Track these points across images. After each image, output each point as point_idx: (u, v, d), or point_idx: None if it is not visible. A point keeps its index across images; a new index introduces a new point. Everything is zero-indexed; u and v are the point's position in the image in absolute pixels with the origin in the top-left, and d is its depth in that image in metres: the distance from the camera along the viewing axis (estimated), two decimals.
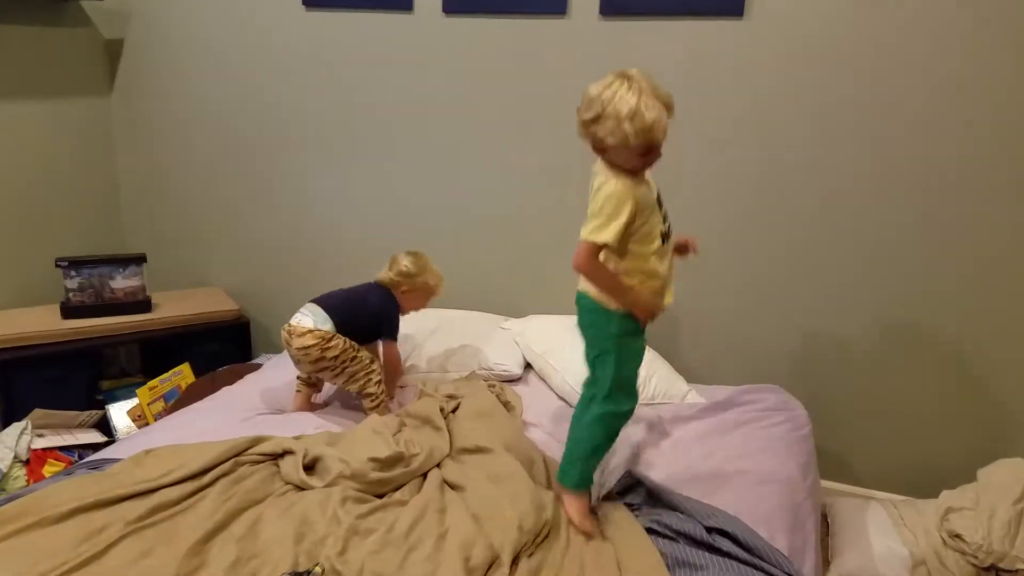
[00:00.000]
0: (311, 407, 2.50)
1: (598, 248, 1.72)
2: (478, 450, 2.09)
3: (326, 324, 2.34)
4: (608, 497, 2.01)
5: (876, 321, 2.62)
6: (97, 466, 2.03)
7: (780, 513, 1.98)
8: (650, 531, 1.83)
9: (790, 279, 2.69)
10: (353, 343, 2.37)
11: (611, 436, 1.91)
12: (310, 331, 2.31)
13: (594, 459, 1.91)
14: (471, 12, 2.85)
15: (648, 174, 1.80)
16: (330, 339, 2.32)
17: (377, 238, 3.21)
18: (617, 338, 1.82)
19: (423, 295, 2.53)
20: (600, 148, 1.72)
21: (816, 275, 2.65)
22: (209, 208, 3.47)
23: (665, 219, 1.83)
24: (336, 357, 2.32)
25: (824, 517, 2.49)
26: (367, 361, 2.39)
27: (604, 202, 1.69)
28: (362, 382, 2.38)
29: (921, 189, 2.47)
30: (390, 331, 2.47)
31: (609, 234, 1.69)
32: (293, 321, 2.36)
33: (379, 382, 2.41)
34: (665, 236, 1.82)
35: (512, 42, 2.82)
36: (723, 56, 2.58)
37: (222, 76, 3.28)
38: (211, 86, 3.31)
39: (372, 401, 2.39)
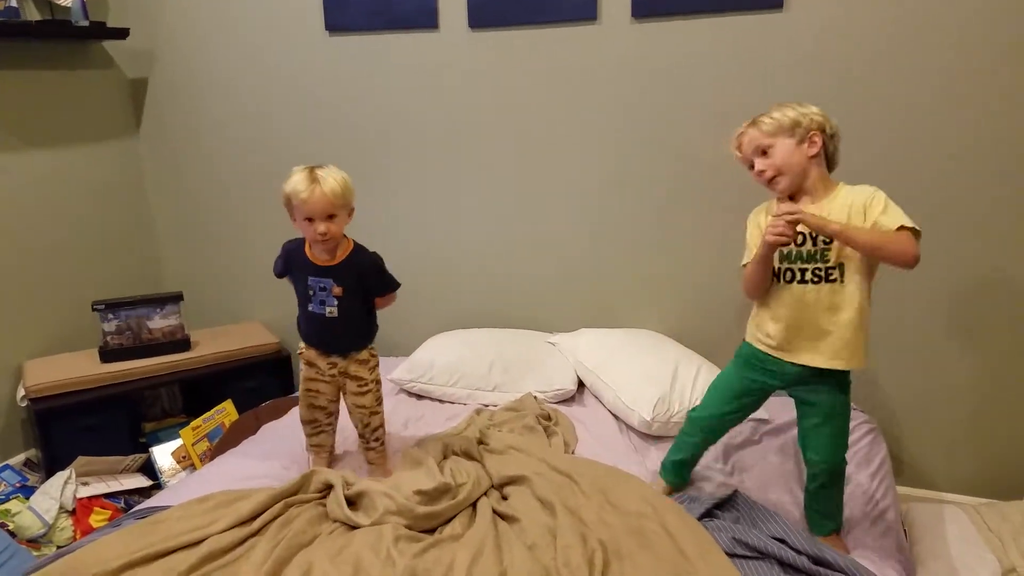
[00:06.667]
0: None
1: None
2: (512, 481, 2.03)
3: None
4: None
5: (938, 310, 2.49)
6: (144, 515, 1.97)
7: (864, 525, 1.91)
8: (732, 555, 1.72)
9: None
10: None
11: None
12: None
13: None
14: (497, 25, 2.77)
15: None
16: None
17: (412, 258, 3.14)
18: None
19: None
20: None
21: None
22: (243, 242, 3.43)
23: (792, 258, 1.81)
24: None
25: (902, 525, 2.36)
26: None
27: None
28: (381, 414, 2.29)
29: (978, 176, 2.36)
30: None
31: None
32: None
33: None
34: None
35: (543, 52, 2.75)
36: (764, 51, 2.48)
37: (248, 108, 3.24)
38: (238, 119, 3.28)
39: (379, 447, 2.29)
